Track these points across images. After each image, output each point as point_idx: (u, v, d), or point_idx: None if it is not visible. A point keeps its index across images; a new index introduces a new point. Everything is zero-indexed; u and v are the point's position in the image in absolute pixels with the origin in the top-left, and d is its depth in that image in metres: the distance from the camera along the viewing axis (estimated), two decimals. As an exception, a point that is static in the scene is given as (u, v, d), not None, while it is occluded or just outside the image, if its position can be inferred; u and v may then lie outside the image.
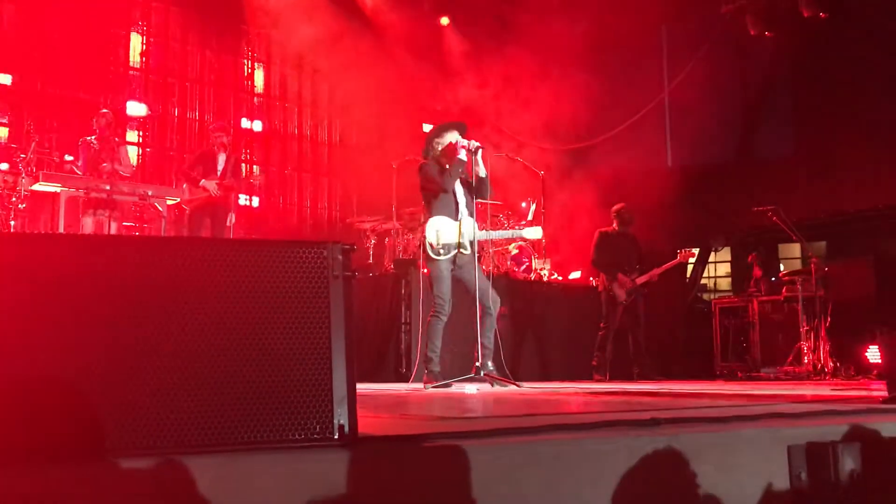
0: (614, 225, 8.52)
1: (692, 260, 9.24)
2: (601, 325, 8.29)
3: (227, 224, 8.39)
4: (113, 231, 7.20)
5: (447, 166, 5.86)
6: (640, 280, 8.34)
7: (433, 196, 5.90)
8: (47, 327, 1.61)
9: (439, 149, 5.98)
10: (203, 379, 1.71)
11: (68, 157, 8.03)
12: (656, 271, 8.41)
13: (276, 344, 1.79)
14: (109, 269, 1.68)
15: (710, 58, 10.67)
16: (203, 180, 8.05)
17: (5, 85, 9.47)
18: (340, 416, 1.80)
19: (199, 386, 1.70)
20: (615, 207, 8.61)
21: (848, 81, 10.18)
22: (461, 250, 5.79)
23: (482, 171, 5.88)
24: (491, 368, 5.67)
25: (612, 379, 7.99)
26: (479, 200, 5.99)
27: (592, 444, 1.92)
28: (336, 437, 1.78)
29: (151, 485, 1.49)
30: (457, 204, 5.87)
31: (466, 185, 5.94)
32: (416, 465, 1.71)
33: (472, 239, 5.79)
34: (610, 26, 10.74)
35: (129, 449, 1.60)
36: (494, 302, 5.81)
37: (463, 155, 5.84)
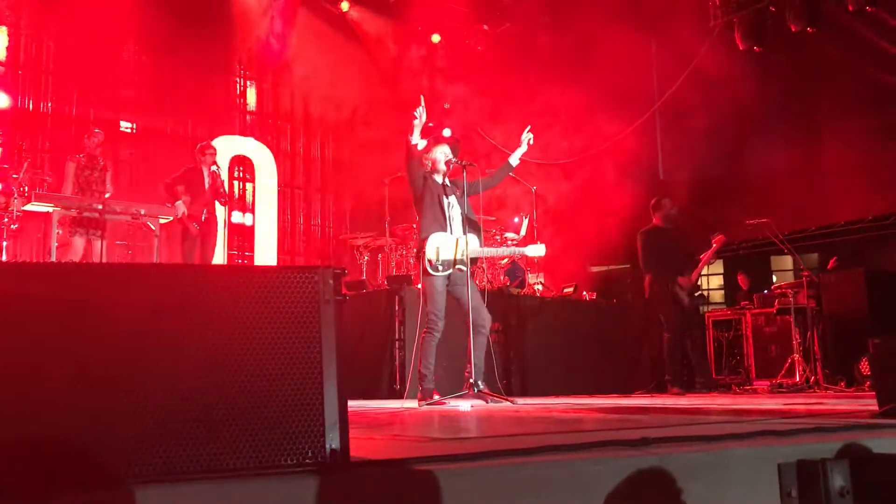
0: (655, 221, 7.92)
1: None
2: (665, 333, 7.73)
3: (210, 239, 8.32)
4: (103, 250, 7.18)
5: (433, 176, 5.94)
6: (695, 276, 7.80)
7: (421, 208, 5.95)
8: (36, 357, 1.61)
9: (429, 165, 6.03)
10: (193, 405, 1.70)
11: (48, 179, 7.90)
12: (702, 263, 7.86)
13: (266, 369, 1.79)
14: (99, 299, 1.68)
15: (699, 72, 10.75)
16: (178, 201, 7.98)
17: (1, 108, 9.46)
18: (332, 441, 1.80)
19: (188, 412, 1.69)
20: (654, 200, 8.01)
21: (835, 94, 10.28)
22: (458, 266, 5.81)
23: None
24: (481, 387, 5.66)
25: (657, 393, 7.61)
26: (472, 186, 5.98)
27: (583, 466, 1.92)
28: (328, 461, 1.78)
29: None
30: (444, 217, 5.88)
31: (461, 201, 5.96)
32: (409, 490, 1.71)
33: (469, 256, 5.81)
34: (600, 41, 10.81)
35: (118, 477, 1.60)
36: (486, 320, 5.81)
37: (441, 164, 5.92)
